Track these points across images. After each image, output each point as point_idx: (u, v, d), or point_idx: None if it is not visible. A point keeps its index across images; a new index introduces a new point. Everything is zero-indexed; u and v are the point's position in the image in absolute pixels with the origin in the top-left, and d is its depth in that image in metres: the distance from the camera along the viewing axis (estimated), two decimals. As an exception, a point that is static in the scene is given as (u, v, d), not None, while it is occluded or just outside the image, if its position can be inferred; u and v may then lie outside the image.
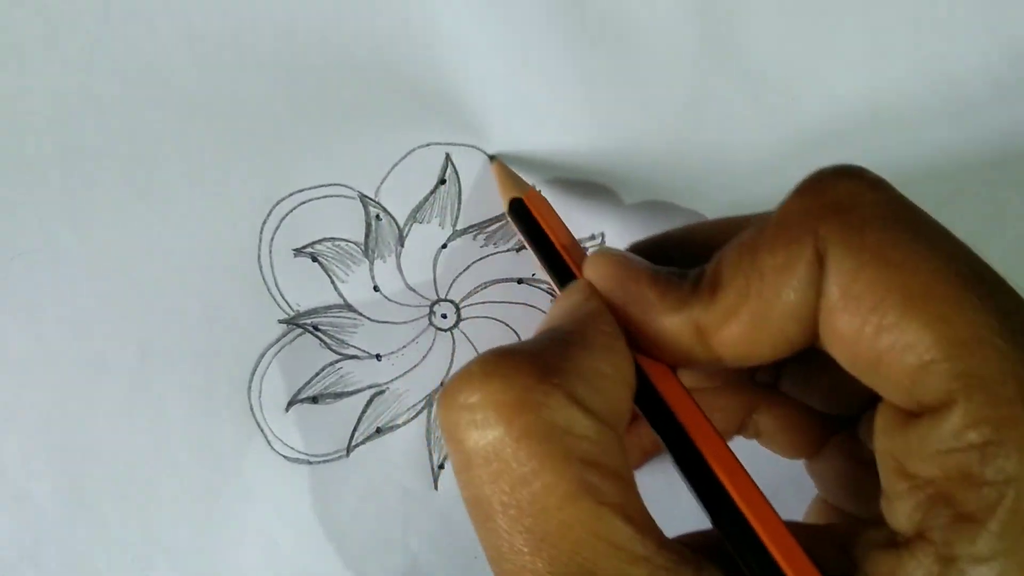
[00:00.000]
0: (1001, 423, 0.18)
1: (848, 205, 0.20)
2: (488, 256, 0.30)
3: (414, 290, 0.30)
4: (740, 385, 0.27)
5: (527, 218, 0.27)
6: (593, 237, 0.31)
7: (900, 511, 0.19)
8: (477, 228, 0.30)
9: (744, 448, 0.24)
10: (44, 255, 0.29)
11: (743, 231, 0.21)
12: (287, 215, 0.30)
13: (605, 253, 0.24)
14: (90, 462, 0.29)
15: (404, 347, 0.30)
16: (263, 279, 0.30)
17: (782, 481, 0.26)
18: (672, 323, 0.21)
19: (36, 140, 0.28)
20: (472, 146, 0.30)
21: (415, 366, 0.30)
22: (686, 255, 0.24)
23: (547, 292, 0.31)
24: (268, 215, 0.30)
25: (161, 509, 0.29)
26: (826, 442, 0.26)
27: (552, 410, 0.19)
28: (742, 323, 0.20)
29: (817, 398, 0.26)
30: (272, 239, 0.30)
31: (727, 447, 0.21)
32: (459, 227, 0.30)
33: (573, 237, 0.27)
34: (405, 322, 0.30)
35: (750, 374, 0.27)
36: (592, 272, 0.23)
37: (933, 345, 0.18)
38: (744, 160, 0.31)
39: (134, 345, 0.29)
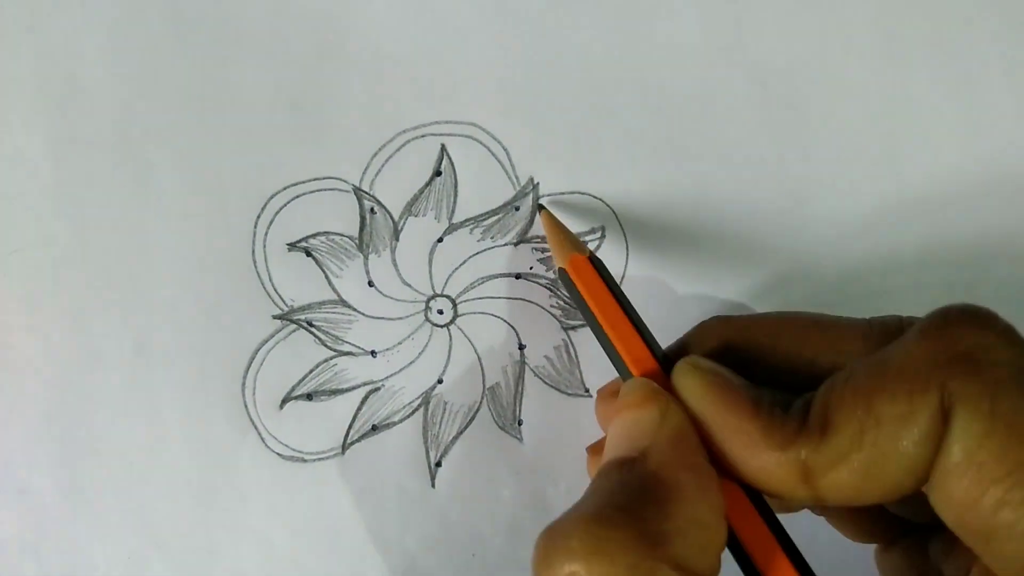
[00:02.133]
0: None
1: (980, 361, 0.19)
2: (485, 250, 0.30)
3: (409, 285, 0.30)
4: None
5: (586, 284, 0.26)
6: (593, 231, 0.30)
7: None
8: (474, 221, 0.30)
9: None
10: (40, 251, 0.29)
11: (855, 366, 0.20)
12: (281, 209, 0.29)
13: (699, 367, 0.22)
14: (88, 457, 0.29)
15: (400, 343, 0.30)
16: (257, 274, 0.29)
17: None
18: (775, 461, 0.20)
19: (26, 133, 0.29)
20: (468, 136, 0.29)
21: (411, 363, 0.30)
22: (772, 367, 0.23)
23: (546, 287, 0.30)
24: (262, 209, 0.29)
25: (157, 506, 0.29)
26: (896, 540, 0.25)
27: None
28: (853, 470, 0.19)
29: (896, 503, 0.24)
30: (266, 233, 0.29)
31: None
32: (455, 220, 0.30)
33: (634, 311, 0.25)
34: (400, 318, 0.30)
35: None
36: (684, 386, 0.22)
37: None
38: (747, 155, 0.29)
39: (129, 341, 0.29)
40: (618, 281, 0.30)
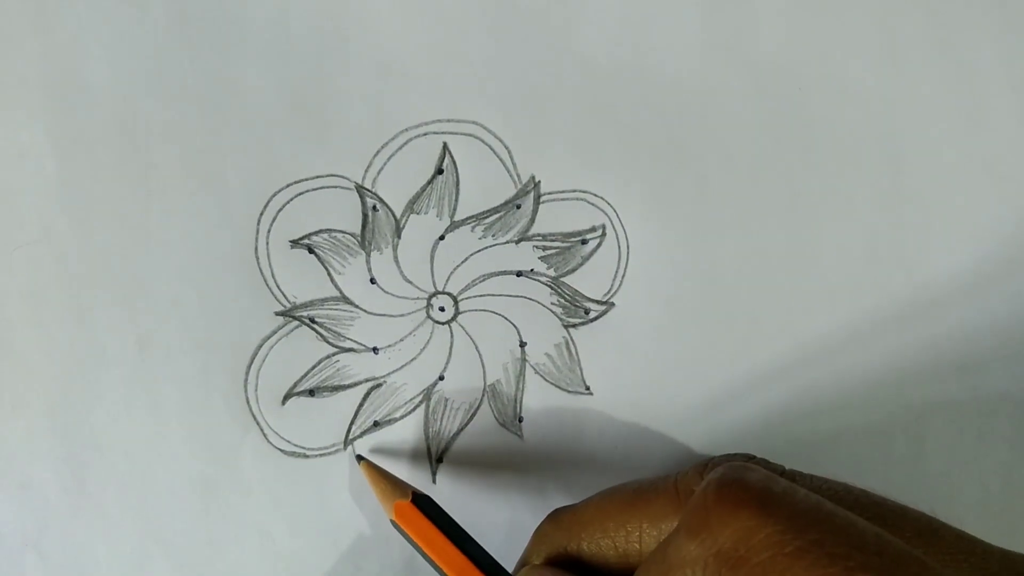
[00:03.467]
0: None
1: (745, 553, 0.20)
2: (487, 248, 0.30)
3: (411, 282, 0.30)
4: None
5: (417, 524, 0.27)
6: (593, 229, 0.30)
7: None
8: (475, 219, 0.30)
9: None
10: (44, 247, 0.29)
11: (647, 563, 0.22)
12: (284, 206, 0.29)
13: None
14: (91, 452, 0.29)
15: (402, 340, 0.30)
16: (260, 271, 0.29)
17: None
18: None
19: (31, 130, 0.29)
20: (470, 135, 0.30)
21: (413, 359, 0.30)
22: (604, 543, 0.25)
23: (547, 285, 0.30)
24: (265, 206, 0.29)
25: (159, 501, 0.29)
26: None
27: None
28: None
29: None
30: (269, 230, 0.29)
31: None
32: (457, 218, 0.30)
33: (469, 539, 0.26)
34: (402, 315, 0.30)
35: None
36: None
37: None
38: (747, 155, 0.30)
39: (132, 336, 0.29)
40: (619, 278, 0.30)
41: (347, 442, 0.30)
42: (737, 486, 0.21)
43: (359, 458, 0.29)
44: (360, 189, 0.29)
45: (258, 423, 0.29)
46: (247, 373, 0.29)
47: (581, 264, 0.30)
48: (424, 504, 0.27)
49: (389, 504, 0.27)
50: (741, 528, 0.20)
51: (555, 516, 0.27)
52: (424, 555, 0.26)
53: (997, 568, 0.21)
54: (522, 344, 0.30)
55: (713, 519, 0.20)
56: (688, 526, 0.21)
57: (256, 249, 0.29)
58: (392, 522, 0.27)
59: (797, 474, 0.25)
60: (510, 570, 0.26)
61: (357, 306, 0.30)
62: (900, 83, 0.30)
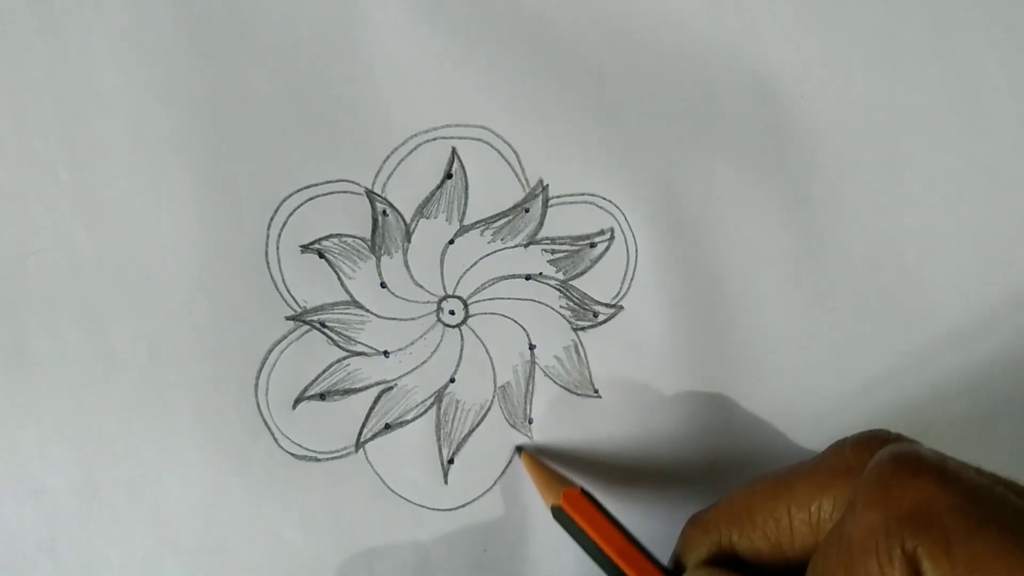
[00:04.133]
0: None
1: (926, 517, 0.20)
2: (496, 252, 0.30)
3: (421, 286, 0.30)
4: None
5: (578, 520, 0.27)
6: (602, 233, 0.30)
7: None
8: (484, 223, 0.30)
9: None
10: (57, 253, 0.29)
11: (827, 547, 0.22)
12: (294, 212, 0.30)
13: None
14: (103, 457, 0.29)
15: (412, 343, 0.30)
16: (270, 276, 0.30)
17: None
18: None
19: (42, 137, 0.29)
20: (478, 139, 0.30)
21: (423, 362, 0.30)
22: (754, 537, 0.25)
23: (556, 288, 0.30)
24: (275, 212, 0.30)
25: (170, 506, 0.29)
26: None
27: None
28: None
29: None
30: (279, 236, 0.30)
31: None
32: (466, 222, 0.30)
33: (630, 535, 0.27)
34: (413, 318, 0.30)
35: None
36: None
37: None
38: (751, 159, 0.30)
39: (144, 342, 0.29)
40: (628, 281, 0.30)
41: (358, 445, 0.30)
42: (914, 458, 0.21)
43: (519, 449, 0.30)
44: (370, 194, 0.30)
45: (269, 427, 0.30)
46: (258, 378, 0.30)
47: (590, 267, 0.30)
48: (591, 498, 0.27)
49: (555, 492, 0.27)
50: (922, 496, 0.20)
51: (698, 519, 0.27)
52: (588, 544, 0.26)
53: None
54: (531, 347, 0.30)
55: (893, 489, 0.21)
56: (866, 498, 0.21)
57: (266, 254, 0.30)
58: (556, 510, 0.27)
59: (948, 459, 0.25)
60: None
61: (367, 310, 0.30)
62: (901, 90, 0.30)
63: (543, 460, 0.29)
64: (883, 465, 0.21)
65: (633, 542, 0.26)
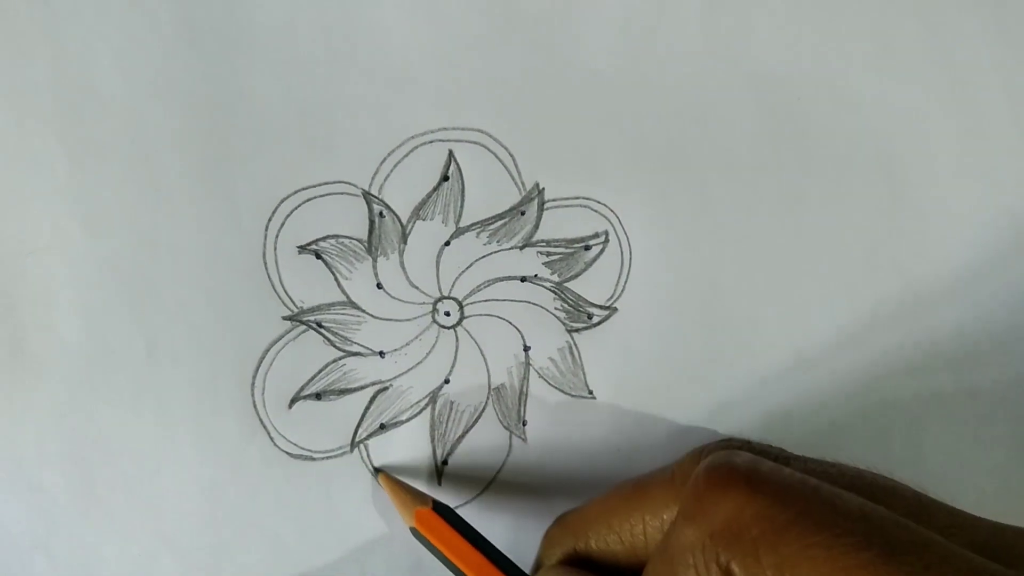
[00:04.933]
0: None
1: (738, 527, 0.20)
2: (491, 254, 0.30)
3: (417, 287, 0.30)
4: None
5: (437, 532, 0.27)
6: (596, 236, 0.30)
7: None
8: (480, 225, 0.30)
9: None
10: (55, 252, 0.29)
11: (654, 553, 0.23)
12: (292, 212, 0.30)
13: None
14: (99, 455, 0.29)
15: (407, 344, 0.30)
16: (268, 276, 0.30)
17: None
18: None
19: (41, 136, 0.29)
20: (475, 143, 0.30)
21: (418, 363, 0.30)
22: (611, 540, 0.26)
23: (550, 290, 0.30)
24: (273, 212, 0.30)
25: (166, 504, 0.29)
26: None
27: None
28: None
29: None
30: (277, 236, 0.30)
31: None
32: (462, 224, 0.30)
33: (487, 544, 0.27)
34: (408, 319, 0.30)
35: None
36: None
37: None
38: (746, 163, 0.30)
39: (141, 341, 0.29)
40: (622, 283, 0.30)
41: (354, 445, 0.30)
42: (725, 469, 0.22)
43: (377, 471, 0.30)
44: (367, 196, 0.30)
45: (265, 426, 0.30)
46: (254, 377, 0.30)
47: (584, 270, 0.30)
48: (444, 511, 0.27)
49: (409, 512, 0.28)
50: (731, 507, 0.21)
51: (562, 519, 0.28)
52: (446, 561, 0.27)
53: (986, 537, 0.21)
54: (526, 348, 0.30)
55: (706, 502, 0.21)
56: (684, 512, 0.22)
57: (264, 254, 0.30)
58: (413, 530, 0.28)
59: (791, 456, 0.26)
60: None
61: (364, 311, 0.30)
62: (896, 91, 0.31)
63: (398, 479, 0.29)
64: (698, 478, 0.22)
65: (489, 555, 0.26)
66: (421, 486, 0.30)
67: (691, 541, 0.21)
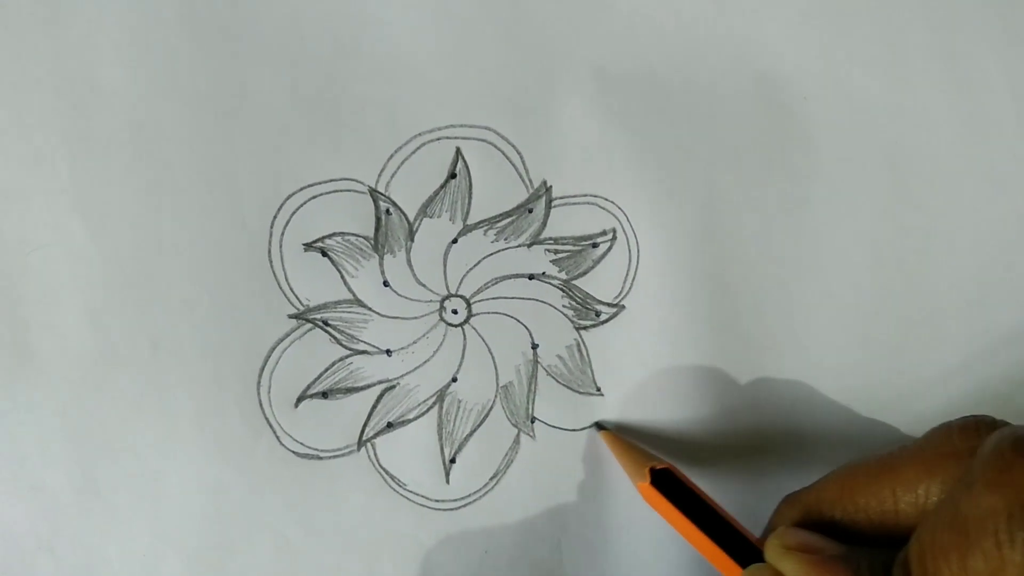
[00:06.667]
0: None
1: None
2: (499, 251, 0.30)
3: (424, 285, 0.30)
4: None
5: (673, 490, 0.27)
6: (604, 233, 0.30)
7: None
8: (488, 223, 0.30)
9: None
10: (59, 250, 0.29)
11: (936, 522, 0.22)
12: (297, 209, 0.30)
13: (788, 545, 0.24)
14: (104, 454, 0.29)
15: (415, 342, 0.30)
16: (273, 274, 0.30)
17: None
18: None
19: (44, 133, 0.29)
20: (483, 140, 0.30)
21: (426, 361, 0.30)
22: (852, 515, 0.25)
23: (558, 288, 0.30)
24: (279, 210, 0.30)
25: (171, 503, 0.29)
26: None
27: None
28: None
29: None
30: (282, 234, 0.30)
31: None
32: (469, 222, 0.30)
33: (718, 508, 0.27)
34: (415, 317, 0.30)
35: None
36: (785, 570, 0.24)
37: None
38: (753, 160, 0.30)
39: (145, 339, 0.29)
40: (629, 281, 0.30)
41: (361, 443, 0.30)
42: None
43: (599, 427, 0.30)
44: (373, 193, 0.30)
45: (271, 425, 0.30)
46: (260, 375, 0.30)
47: (592, 267, 0.30)
48: (670, 477, 0.27)
49: (641, 471, 0.27)
50: None
51: (793, 499, 0.27)
52: (679, 522, 0.27)
53: None
54: (534, 346, 0.30)
55: (1016, 473, 0.21)
56: (986, 480, 0.21)
57: (269, 252, 0.30)
58: (644, 489, 0.27)
59: None
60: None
61: (370, 309, 0.30)
62: (903, 92, 0.31)
63: (625, 438, 0.29)
64: (1005, 447, 0.21)
65: (717, 522, 0.26)
66: (429, 484, 0.30)
67: (995, 507, 0.21)
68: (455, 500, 0.30)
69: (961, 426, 0.25)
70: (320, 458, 0.30)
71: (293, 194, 0.30)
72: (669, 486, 0.27)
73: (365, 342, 0.30)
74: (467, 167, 0.30)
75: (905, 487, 0.25)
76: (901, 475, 0.25)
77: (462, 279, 0.30)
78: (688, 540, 0.26)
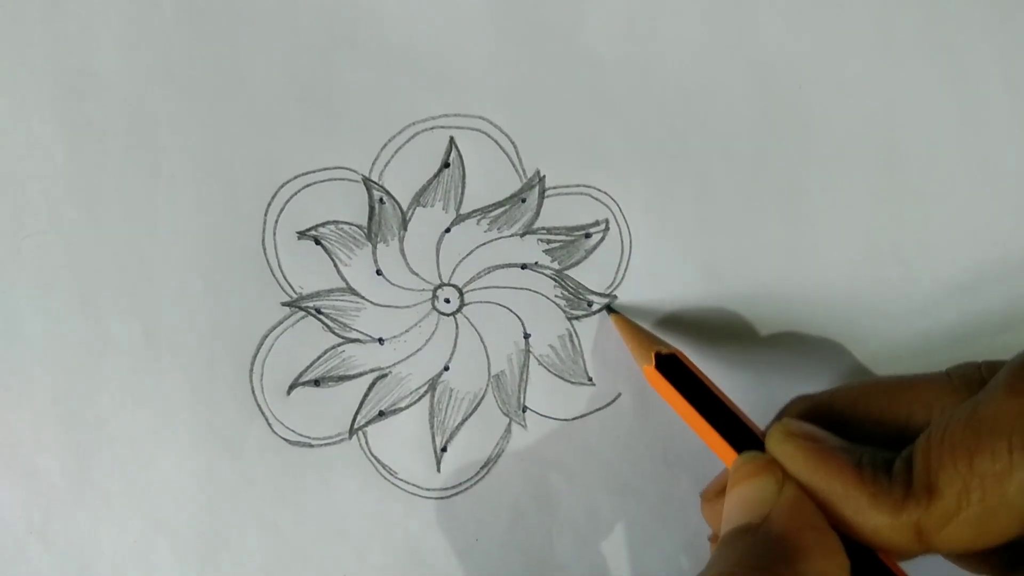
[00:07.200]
0: None
1: None
2: (492, 241, 0.30)
3: (417, 274, 0.30)
4: None
5: (676, 374, 0.27)
6: (597, 223, 0.30)
7: None
8: (481, 212, 0.30)
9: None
10: (52, 236, 0.29)
11: (948, 422, 0.22)
12: (291, 198, 0.30)
13: (791, 433, 0.24)
14: (96, 441, 0.29)
15: (407, 331, 0.30)
16: (267, 261, 0.30)
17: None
18: (888, 525, 0.22)
19: (40, 119, 0.29)
20: (476, 130, 0.30)
21: (418, 350, 0.30)
22: (863, 427, 0.25)
23: (551, 278, 0.30)
24: (272, 197, 0.30)
25: (163, 490, 0.29)
26: (1016, 569, 0.25)
27: None
28: (963, 525, 0.21)
29: None
30: (276, 222, 0.30)
31: None
32: (463, 211, 0.30)
33: (721, 394, 0.27)
34: (408, 306, 0.30)
35: None
36: (782, 455, 0.23)
37: None
38: (747, 151, 0.30)
39: (139, 326, 0.29)
40: (622, 271, 0.30)
41: (352, 431, 0.30)
42: None
43: (609, 310, 0.30)
44: (367, 182, 0.30)
45: (263, 413, 0.30)
46: (253, 363, 0.30)
47: (584, 257, 0.30)
48: (676, 363, 0.27)
49: (647, 354, 0.27)
50: None
51: (805, 397, 0.27)
52: (681, 406, 0.26)
53: None
54: (526, 336, 0.30)
55: None
56: (1009, 385, 0.21)
57: (263, 240, 0.30)
58: (648, 370, 0.27)
59: None
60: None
61: (363, 297, 0.30)
62: (898, 81, 0.31)
63: (634, 320, 0.29)
64: None
65: (726, 402, 0.26)
66: (420, 472, 0.30)
67: (1014, 410, 0.21)
68: (446, 489, 0.30)
69: (988, 363, 0.25)
70: (312, 446, 0.30)
71: (287, 182, 0.30)
72: (675, 372, 0.27)
73: (358, 330, 0.30)
74: (461, 156, 0.30)
75: (922, 405, 0.25)
76: (921, 394, 0.25)
77: (455, 268, 0.30)
78: (689, 425, 0.26)
